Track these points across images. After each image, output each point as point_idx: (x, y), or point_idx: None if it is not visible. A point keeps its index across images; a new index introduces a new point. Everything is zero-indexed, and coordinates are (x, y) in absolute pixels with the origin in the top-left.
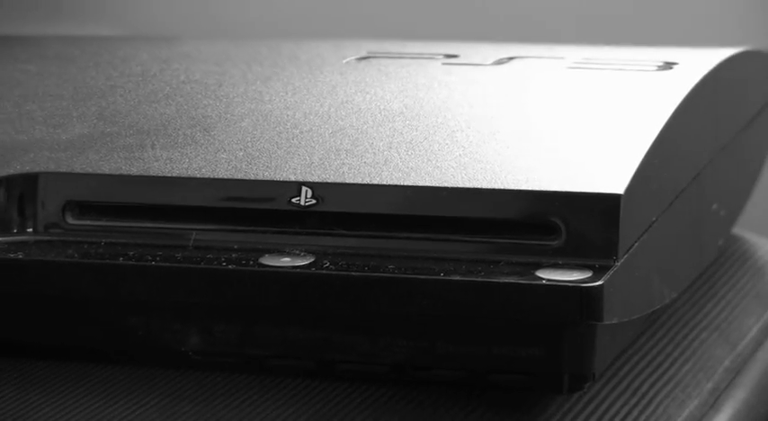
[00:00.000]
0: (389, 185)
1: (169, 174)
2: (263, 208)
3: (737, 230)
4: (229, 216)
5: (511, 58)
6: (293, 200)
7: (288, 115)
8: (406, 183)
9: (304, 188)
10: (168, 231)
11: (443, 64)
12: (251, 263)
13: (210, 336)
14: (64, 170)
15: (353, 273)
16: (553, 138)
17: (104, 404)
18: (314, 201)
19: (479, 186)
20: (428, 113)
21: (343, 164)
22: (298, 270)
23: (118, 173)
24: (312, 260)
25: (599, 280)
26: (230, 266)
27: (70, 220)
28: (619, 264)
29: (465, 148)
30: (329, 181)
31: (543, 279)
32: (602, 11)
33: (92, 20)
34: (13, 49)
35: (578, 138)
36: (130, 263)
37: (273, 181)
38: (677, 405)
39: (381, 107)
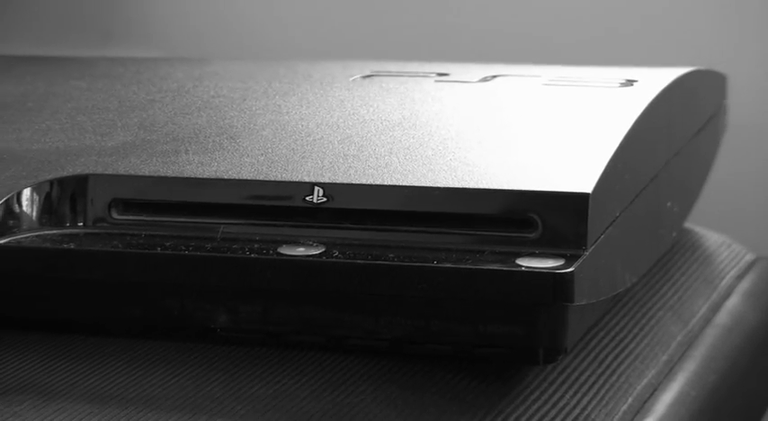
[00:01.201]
0: (390, 185)
1: (200, 176)
2: (281, 205)
3: (689, 224)
4: (252, 212)
5: (494, 76)
6: (307, 198)
7: (302, 125)
8: (404, 184)
9: (316, 188)
10: (199, 225)
11: (436, 81)
12: (270, 252)
13: (236, 315)
14: (110, 172)
15: (359, 261)
16: (530, 145)
17: (144, 374)
18: (325, 199)
19: (467, 186)
20: (423, 124)
21: (350, 167)
22: (311, 258)
23: (156, 174)
24: (323, 250)
25: (570, 267)
26: (253, 255)
27: (115, 216)
28: (587, 253)
29: (455, 154)
30: (338, 181)
31: (522, 266)
32: (577, 35)
33: (136, 44)
34: (67, 68)
35: (552, 145)
36: (167, 252)
37: (290, 181)
38: (637, 374)
39: (383, 118)
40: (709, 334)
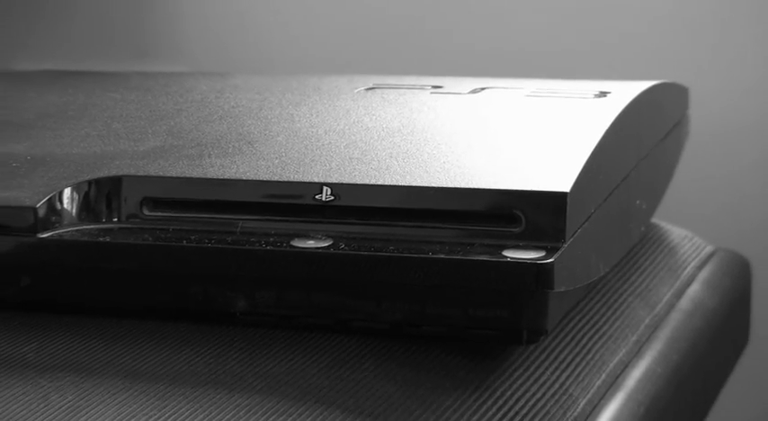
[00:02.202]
0: (390, 185)
1: (222, 177)
2: (293, 203)
3: (655, 220)
4: (267, 209)
5: (483, 88)
6: (316, 196)
7: (312, 131)
8: (402, 184)
9: (325, 187)
10: (221, 221)
11: (431, 93)
12: (284, 245)
13: (253, 301)
14: (142, 174)
15: (362, 253)
16: (515, 149)
17: (172, 353)
18: (332, 198)
19: (458, 186)
20: (419, 130)
21: (355, 168)
22: (320, 250)
23: (183, 176)
24: (331, 243)
25: (551, 258)
26: (268, 247)
27: (146, 212)
28: (565, 246)
29: (447, 157)
30: (344, 182)
31: (508, 257)
32: (556, 51)
33: (165, 60)
34: (104, 81)
35: (534, 149)
36: (192, 245)
37: (301, 182)
38: (610, 353)
39: (383, 126)
40: (673, 317)
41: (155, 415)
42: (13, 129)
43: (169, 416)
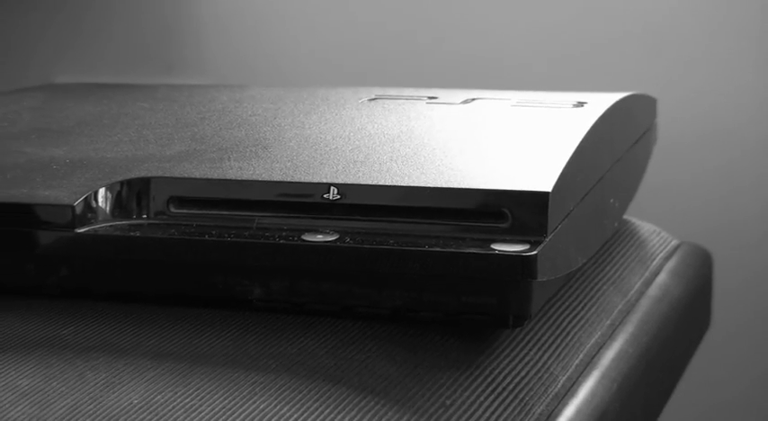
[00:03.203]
0: (391, 185)
1: (240, 178)
2: (304, 201)
3: (627, 216)
4: (281, 206)
5: (473, 99)
6: (324, 195)
7: (321, 137)
8: (402, 184)
9: (332, 187)
10: (239, 217)
11: (427, 103)
12: (295, 239)
13: (267, 289)
14: (168, 175)
15: (366, 246)
16: (502, 153)
17: (195, 335)
18: (339, 197)
19: (452, 186)
20: (416, 137)
21: (359, 171)
22: (327, 244)
23: (205, 177)
24: (337, 237)
25: (534, 251)
26: (282, 241)
27: (172, 210)
28: (547, 240)
29: (442, 160)
30: (349, 182)
31: (496, 250)
32: (539, 65)
33: (190, 74)
34: (135, 93)
35: (519, 153)
36: (213, 239)
37: (311, 182)
38: (587, 335)
39: (385, 132)
40: (643, 303)
41: (179, 391)
42: (53, 135)
43: (192, 392)
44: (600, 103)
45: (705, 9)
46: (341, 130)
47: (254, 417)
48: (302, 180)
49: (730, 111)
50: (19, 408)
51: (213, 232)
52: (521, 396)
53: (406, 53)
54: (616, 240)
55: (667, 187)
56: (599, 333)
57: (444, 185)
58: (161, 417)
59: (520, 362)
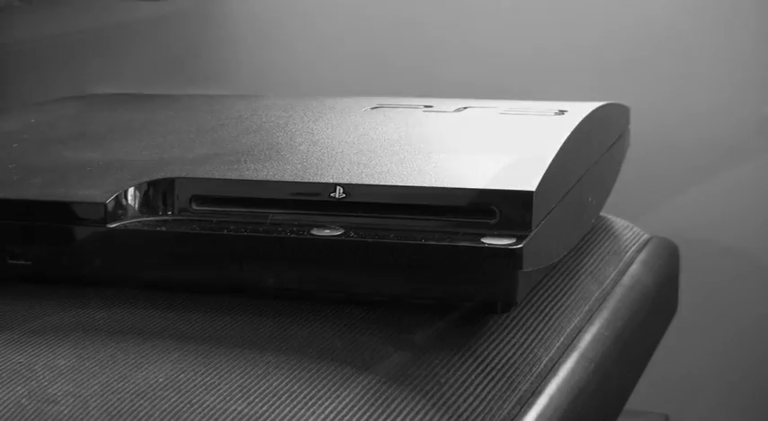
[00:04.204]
0: (391, 185)
1: (255, 178)
2: (313, 199)
3: (603, 213)
4: (292, 204)
5: (465, 108)
6: (331, 194)
7: (328, 142)
8: (401, 184)
9: (338, 187)
10: (254, 213)
11: (423, 111)
12: (305, 233)
13: (281, 278)
14: (191, 176)
15: (369, 240)
16: (491, 156)
17: (213, 320)
18: (344, 195)
19: (446, 186)
20: (414, 141)
21: (363, 172)
22: (334, 238)
23: (224, 177)
24: (342, 231)
25: (520, 244)
26: (292, 235)
27: (194, 207)
28: (532, 234)
29: (437, 163)
30: (354, 182)
31: (486, 243)
32: (525, 76)
33: (212, 85)
34: (161, 102)
35: (506, 156)
36: (231, 233)
37: (319, 183)
38: (567, 320)
39: (385, 137)
40: (617, 291)
41: (200, 370)
42: (87, 140)
43: (212, 372)
44: (579, 111)
45: (679, 26)
46: (346, 136)
47: (267, 394)
48: (311, 180)
49: (696, 119)
50: (57, 385)
51: (231, 227)
52: (508, 374)
53: (406, 65)
54: (593, 234)
55: (640, 186)
56: (578, 318)
57: (439, 185)
58: (184, 394)
59: (507, 344)
